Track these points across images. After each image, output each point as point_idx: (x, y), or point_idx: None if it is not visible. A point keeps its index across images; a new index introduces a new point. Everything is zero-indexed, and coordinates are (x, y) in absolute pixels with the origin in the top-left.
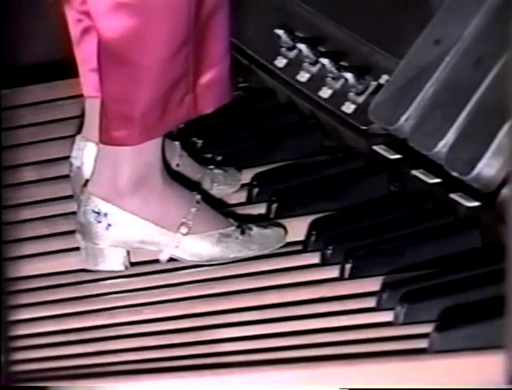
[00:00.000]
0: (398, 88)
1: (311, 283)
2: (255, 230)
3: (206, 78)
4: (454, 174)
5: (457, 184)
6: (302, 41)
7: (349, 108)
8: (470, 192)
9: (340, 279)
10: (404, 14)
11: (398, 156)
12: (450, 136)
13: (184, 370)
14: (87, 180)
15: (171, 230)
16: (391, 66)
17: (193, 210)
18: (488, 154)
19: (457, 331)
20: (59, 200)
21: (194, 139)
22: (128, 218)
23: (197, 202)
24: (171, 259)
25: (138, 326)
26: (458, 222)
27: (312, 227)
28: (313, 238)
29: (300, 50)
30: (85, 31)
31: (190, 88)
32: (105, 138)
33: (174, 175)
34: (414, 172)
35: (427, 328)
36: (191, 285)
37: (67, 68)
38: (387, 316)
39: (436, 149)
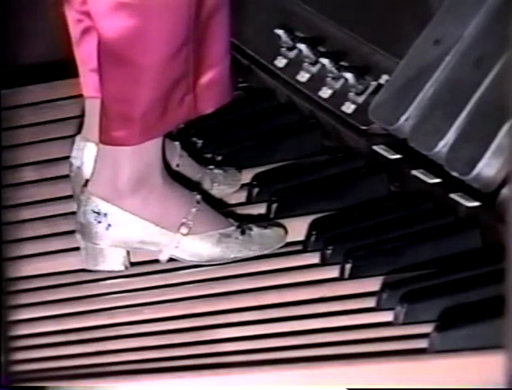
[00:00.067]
0: (398, 88)
1: (311, 283)
2: (255, 230)
3: (206, 78)
4: (454, 174)
5: (457, 184)
6: (302, 41)
7: (349, 108)
8: (470, 192)
9: (340, 279)
10: (404, 14)
11: (398, 156)
12: (450, 136)
13: (184, 370)
14: (87, 180)
15: (171, 230)
16: (391, 66)
17: (193, 210)
18: (488, 154)
19: (457, 331)
20: (59, 200)
21: (194, 139)
22: (128, 219)
23: (198, 202)
24: (171, 259)
25: (138, 326)
26: (458, 222)
27: (312, 227)
28: (313, 238)
29: (300, 50)
30: (85, 31)
31: (190, 88)
32: (105, 138)
33: (174, 175)
34: (414, 172)
35: (427, 328)
36: (191, 285)
37: (67, 68)
38: (387, 316)
39: (436, 149)
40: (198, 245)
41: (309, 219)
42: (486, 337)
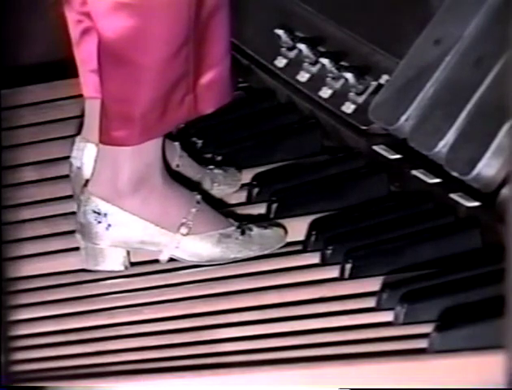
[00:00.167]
0: (398, 88)
1: (311, 283)
2: (255, 230)
3: (206, 78)
4: (454, 174)
5: (457, 184)
6: (302, 41)
7: (349, 108)
8: (470, 192)
9: (340, 279)
10: (404, 14)
11: (398, 156)
12: (450, 136)
13: (184, 370)
14: (87, 180)
15: (171, 230)
16: (391, 66)
17: (193, 210)
18: (488, 154)
19: (457, 331)
20: (59, 200)
21: (194, 139)
22: (128, 219)
23: (198, 202)
24: (171, 259)
25: (138, 326)
26: (458, 222)
27: (312, 227)
28: (313, 238)
29: (300, 50)
30: (85, 32)
31: (190, 88)
32: (105, 138)
33: (174, 176)
34: (414, 172)
35: (427, 328)
36: (191, 285)
37: (67, 68)
38: (387, 316)
39: (436, 149)
40: (198, 245)
41: (309, 219)
42: (486, 337)
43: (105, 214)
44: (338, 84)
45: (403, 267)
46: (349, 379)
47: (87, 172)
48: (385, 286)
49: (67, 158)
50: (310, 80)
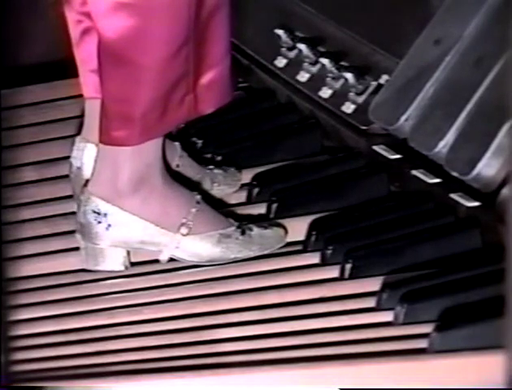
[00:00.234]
0: (398, 88)
1: (311, 283)
2: (255, 230)
3: (206, 78)
4: (454, 174)
5: (457, 184)
6: (302, 41)
7: (349, 108)
8: (470, 192)
9: (340, 279)
10: (404, 14)
11: (398, 156)
12: (450, 136)
13: (184, 370)
14: (87, 180)
15: (171, 230)
16: (391, 66)
17: (193, 210)
18: (488, 154)
19: (457, 331)
20: (59, 200)
21: (194, 139)
22: (128, 219)
23: (198, 202)
24: (171, 259)
25: (138, 326)
26: (458, 222)
27: (312, 227)
28: (313, 238)
29: (300, 50)
30: (85, 32)
31: (190, 88)
32: (105, 138)
33: (174, 176)
34: (414, 172)
35: (427, 328)
36: (191, 285)
37: (67, 68)
38: (387, 316)
39: (436, 149)
40: (198, 246)
41: (309, 219)
42: (486, 337)
43: (105, 214)
44: (338, 84)
45: (403, 267)
46: (349, 379)
47: (87, 172)
48: (385, 286)
49: (67, 158)
50: (310, 80)
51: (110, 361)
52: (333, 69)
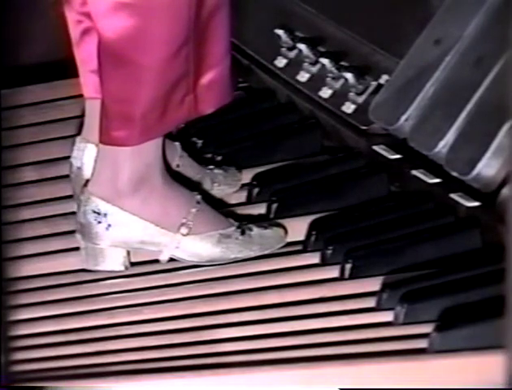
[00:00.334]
0: (398, 88)
1: (311, 283)
2: (255, 230)
3: (206, 78)
4: (454, 174)
5: (457, 184)
6: (302, 41)
7: (349, 108)
8: (470, 192)
9: (340, 279)
10: (404, 14)
11: (398, 156)
12: (450, 136)
13: (184, 370)
14: (87, 180)
15: (172, 230)
16: (391, 66)
17: (194, 210)
18: (488, 154)
19: (457, 331)
20: (59, 200)
21: (194, 139)
22: (128, 219)
23: (198, 202)
24: (171, 259)
25: (138, 326)
26: (458, 222)
27: (312, 227)
28: (313, 238)
29: (300, 50)
30: (85, 32)
31: (191, 88)
32: (105, 138)
33: (174, 176)
34: (414, 172)
35: (427, 328)
36: (191, 285)
37: (67, 68)
38: (387, 316)
39: (436, 149)
40: (198, 246)
41: (309, 219)
42: (486, 337)
43: (105, 214)
44: (338, 84)
45: (403, 267)
46: (349, 379)
47: (87, 172)
48: (385, 286)
49: (67, 158)
50: (310, 80)
51: (110, 361)
52: (333, 69)
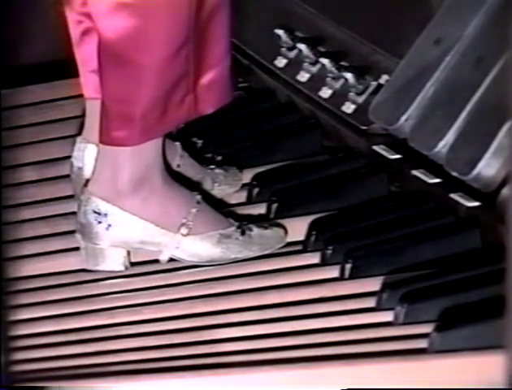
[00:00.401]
0: (398, 88)
1: (311, 283)
2: (255, 230)
3: (206, 78)
4: (454, 174)
5: (457, 184)
6: (302, 41)
7: (349, 108)
8: (470, 192)
9: (340, 279)
10: (404, 14)
11: (398, 156)
12: (450, 136)
13: (184, 370)
14: (87, 180)
15: (172, 230)
16: (391, 66)
17: (194, 210)
18: (488, 154)
19: (457, 331)
20: (59, 200)
21: (194, 139)
22: (129, 219)
23: (198, 203)
24: (171, 259)
25: (138, 326)
26: (458, 222)
27: (312, 227)
28: (313, 238)
29: (300, 50)
30: (85, 32)
31: (191, 88)
32: (105, 138)
33: (175, 176)
34: (414, 172)
35: (427, 328)
36: (191, 285)
37: (67, 68)
38: (387, 316)
39: (436, 149)
40: (198, 246)
41: (309, 219)
42: (486, 337)
43: (105, 214)
44: (338, 84)
45: (403, 267)
46: (349, 379)
47: (88, 173)
48: (385, 286)
49: (67, 158)
50: (310, 80)
51: (110, 361)
52: (333, 69)
